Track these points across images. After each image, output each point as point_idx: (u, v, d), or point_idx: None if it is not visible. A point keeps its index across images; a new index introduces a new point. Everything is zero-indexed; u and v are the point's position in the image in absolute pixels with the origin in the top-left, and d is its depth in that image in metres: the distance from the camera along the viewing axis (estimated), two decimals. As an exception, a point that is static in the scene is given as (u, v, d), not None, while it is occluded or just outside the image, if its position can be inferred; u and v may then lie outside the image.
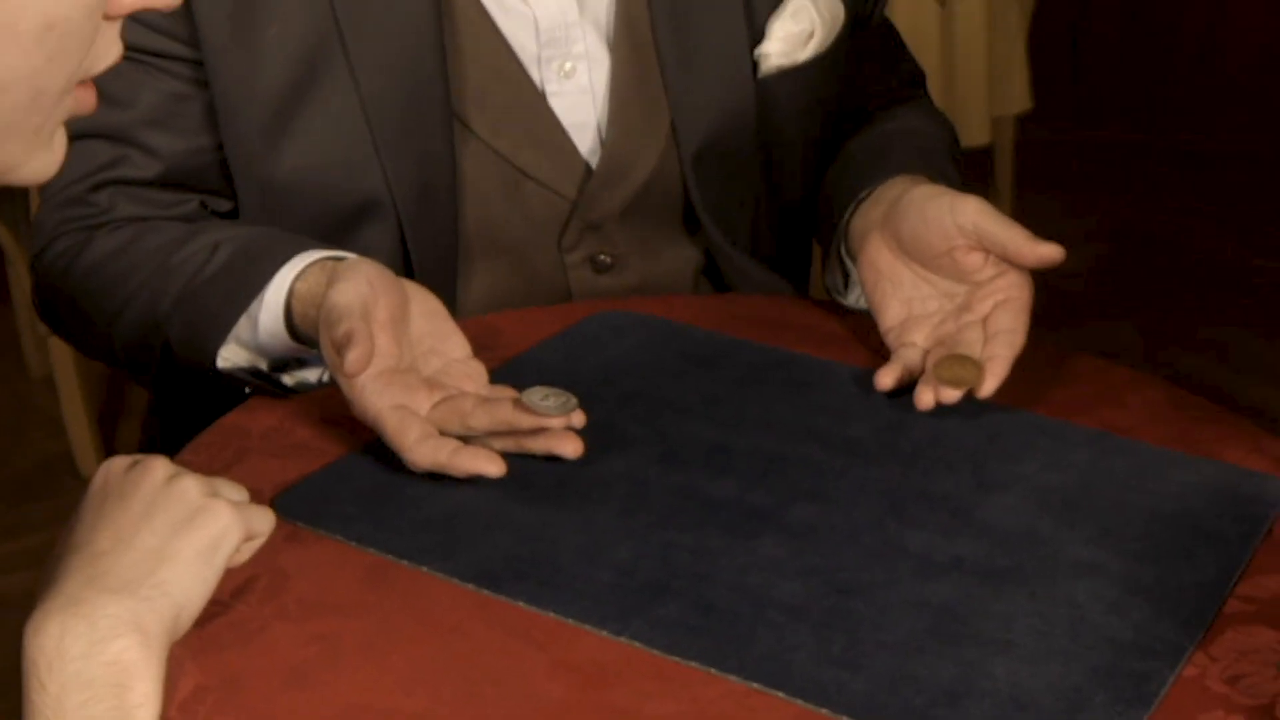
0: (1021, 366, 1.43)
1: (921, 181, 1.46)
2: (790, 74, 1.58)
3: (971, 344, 1.36)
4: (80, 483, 1.08)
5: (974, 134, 3.33)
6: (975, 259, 1.37)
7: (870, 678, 1.06)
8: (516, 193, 1.55)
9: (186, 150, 1.51)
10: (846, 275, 1.53)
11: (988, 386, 1.33)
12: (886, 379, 1.38)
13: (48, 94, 0.89)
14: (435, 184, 1.51)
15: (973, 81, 3.31)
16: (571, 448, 1.25)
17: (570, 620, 1.11)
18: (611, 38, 1.54)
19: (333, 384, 1.31)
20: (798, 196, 1.67)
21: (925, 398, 1.33)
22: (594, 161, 1.56)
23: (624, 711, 1.03)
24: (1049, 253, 1.33)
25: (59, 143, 0.94)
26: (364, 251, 1.45)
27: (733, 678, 1.06)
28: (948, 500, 1.25)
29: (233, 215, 1.56)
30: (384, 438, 1.24)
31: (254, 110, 1.48)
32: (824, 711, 1.04)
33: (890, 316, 1.42)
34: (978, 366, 1.34)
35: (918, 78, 1.81)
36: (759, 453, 1.30)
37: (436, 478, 1.26)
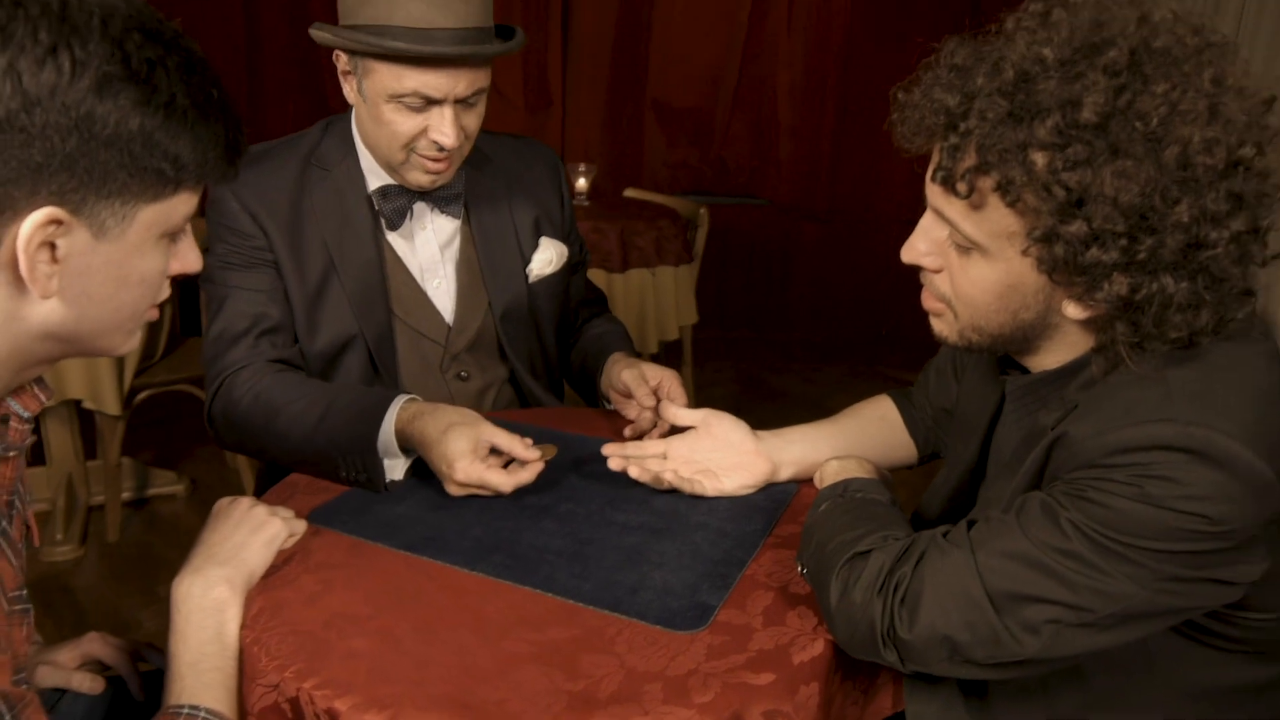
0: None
1: (624, 357, 1.56)
2: (543, 280, 1.62)
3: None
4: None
5: (669, 333, 3.37)
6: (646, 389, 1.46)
7: (594, 584, 1.11)
8: (418, 345, 1.55)
9: (284, 311, 1.47)
10: (606, 399, 1.58)
11: (675, 415, 1.37)
12: (628, 432, 1.45)
13: (142, 314, 0.87)
14: (384, 338, 1.51)
15: (667, 309, 3.36)
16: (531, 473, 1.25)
17: (450, 565, 1.14)
18: (456, 265, 1.57)
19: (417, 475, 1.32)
20: (553, 348, 1.69)
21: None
22: (451, 323, 1.57)
23: (476, 609, 1.06)
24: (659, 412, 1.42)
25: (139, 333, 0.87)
26: (350, 368, 1.47)
27: (527, 588, 1.10)
28: (637, 498, 1.30)
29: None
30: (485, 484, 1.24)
31: (297, 298, 1.47)
32: (570, 600, 1.08)
33: (629, 411, 1.47)
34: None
35: (602, 298, 1.84)
36: (547, 480, 1.32)
37: (388, 501, 1.26)
